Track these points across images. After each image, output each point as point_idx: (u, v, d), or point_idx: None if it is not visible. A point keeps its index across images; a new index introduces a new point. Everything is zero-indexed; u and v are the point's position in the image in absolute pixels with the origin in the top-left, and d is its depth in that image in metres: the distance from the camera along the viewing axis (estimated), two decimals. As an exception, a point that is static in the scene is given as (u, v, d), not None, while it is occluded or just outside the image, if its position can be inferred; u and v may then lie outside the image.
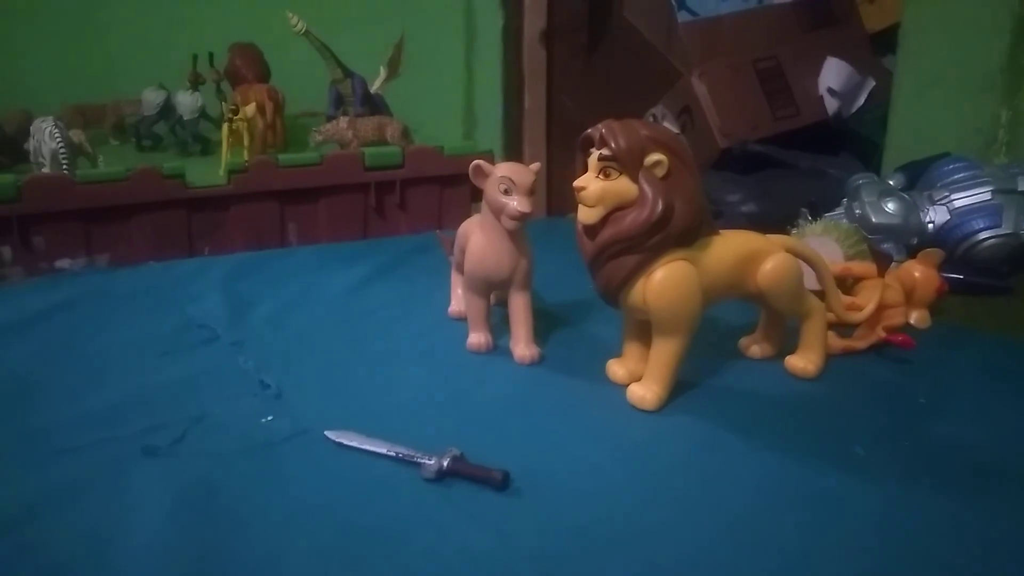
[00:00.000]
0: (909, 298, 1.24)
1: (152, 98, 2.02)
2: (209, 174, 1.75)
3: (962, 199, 1.44)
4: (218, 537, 0.75)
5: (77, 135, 1.71)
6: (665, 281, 0.96)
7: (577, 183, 0.97)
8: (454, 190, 1.94)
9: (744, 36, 2.05)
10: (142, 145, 2.07)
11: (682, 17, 2.02)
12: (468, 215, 1.23)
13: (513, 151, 2.45)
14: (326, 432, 0.92)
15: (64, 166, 1.60)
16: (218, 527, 0.77)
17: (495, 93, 2.45)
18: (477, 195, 1.14)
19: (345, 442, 0.91)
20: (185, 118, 2.00)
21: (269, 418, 0.97)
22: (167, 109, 2.02)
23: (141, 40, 2.19)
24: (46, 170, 1.62)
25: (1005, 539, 0.76)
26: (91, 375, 1.09)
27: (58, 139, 1.60)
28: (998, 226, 1.41)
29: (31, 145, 1.67)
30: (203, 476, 0.85)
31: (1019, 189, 1.43)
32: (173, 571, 0.71)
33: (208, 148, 2.02)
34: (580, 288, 1.16)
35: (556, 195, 2.33)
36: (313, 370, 1.12)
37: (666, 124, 2.03)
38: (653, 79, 2.07)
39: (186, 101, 1.99)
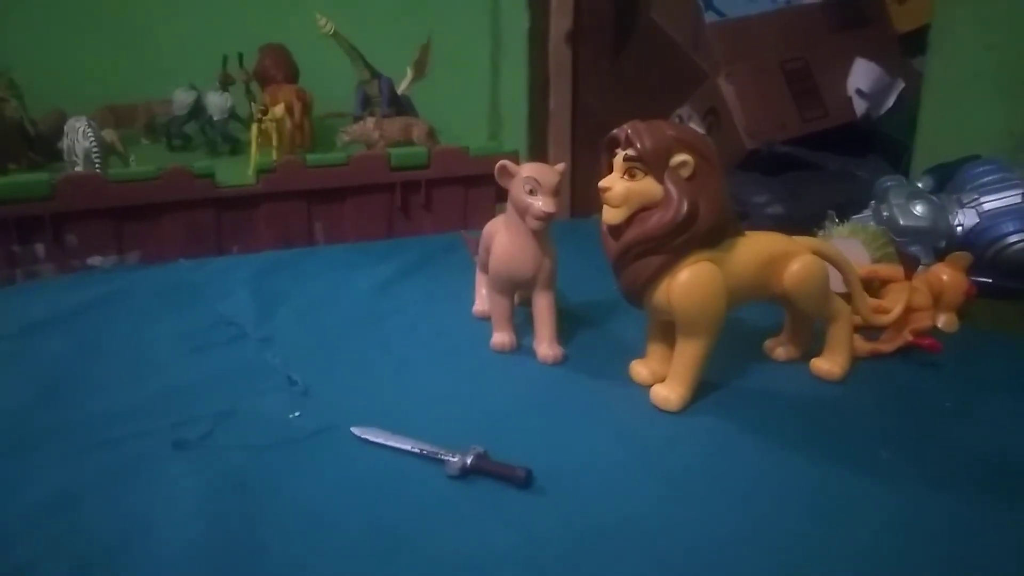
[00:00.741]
0: (937, 302, 1.23)
1: (183, 98, 2.04)
2: (238, 174, 1.77)
3: (992, 202, 1.42)
4: (246, 530, 0.76)
5: (110, 134, 1.73)
6: (690, 282, 0.96)
7: (602, 183, 0.97)
8: (479, 190, 1.94)
9: (772, 37, 2.04)
10: (172, 145, 2.10)
11: (709, 18, 2.01)
12: (493, 215, 1.23)
13: (538, 152, 2.46)
14: (352, 428, 0.93)
15: (97, 165, 1.63)
16: (246, 520, 0.78)
17: (520, 94, 2.46)
18: (502, 195, 1.15)
19: (371, 438, 0.92)
20: (215, 118, 2.03)
21: (296, 414, 0.99)
22: (197, 109, 2.04)
23: (172, 41, 2.21)
24: (79, 169, 1.64)
25: (1033, 545, 0.76)
26: (122, 370, 1.11)
27: (91, 138, 1.63)
28: (1029, 230, 1.39)
29: (65, 144, 1.70)
30: (232, 470, 0.86)
31: (1051, 192, 1.42)
32: (202, 563, 0.72)
33: (237, 148, 2.05)
34: (604, 288, 1.16)
35: (580, 196, 2.33)
36: (339, 367, 1.13)
37: (692, 125, 2.02)
38: (679, 80, 2.07)
39: (216, 101, 2.01)
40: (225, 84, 2.03)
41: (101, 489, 0.83)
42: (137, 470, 0.86)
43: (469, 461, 0.85)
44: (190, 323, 1.27)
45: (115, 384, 1.07)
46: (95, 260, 1.62)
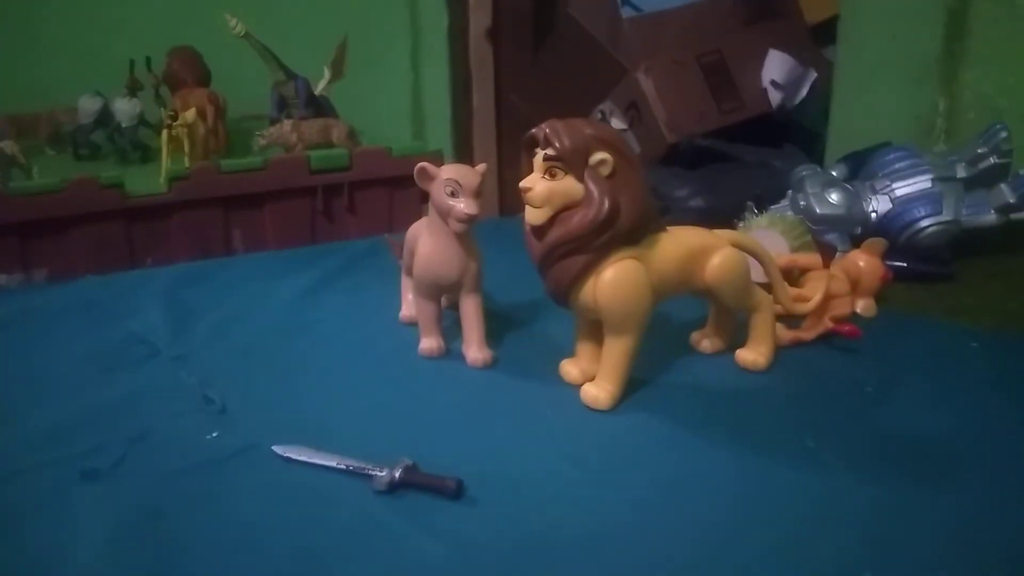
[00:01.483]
0: (855, 287, 1.26)
1: (88, 105, 1.95)
2: (149, 182, 1.70)
3: (903, 188, 1.47)
4: (162, 562, 0.73)
5: (10, 146, 1.65)
6: (614, 280, 0.96)
7: (523, 184, 0.96)
8: (404, 192, 1.91)
9: (688, 31, 2.05)
10: (79, 154, 2.00)
11: (626, 12, 2.02)
12: (419, 217, 1.21)
13: (463, 150, 2.43)
14: (274, 447, 0.90)
15: (-4, 179, 1.55)
16: (162, 551, 0.74)
17: (443, 92, 2.43)
18: (428, 196, 1.12)
19: (294, 457, 0.89)
20: (123, 125, 1.94)
21: (214, 434, 0.95)
22: (104, 116, 1.96)
23: (76, 46, 2.12)
24: (-24, 183, 1.56)
25: (954, 523, 0.78)
26: (29, 395, 1.05)
27: (-12, 151, 1.55)
28: (939, 213, 1.44)
29: (-40, 158, 1.61)
30: (146, 498, 0.82)
31: (958, 176, 1.46)
32: (115, 600, 0.69)
33: (148, 155, 1.97)
34: (531, 289, 1.15)
35: (507, 194, 2.32)
36: (260, 383, 1.09)
37: (614, 120, 2.03)
38: (600, 75, 2.07)
39: (124, 108, 1.93)
40: (133, 89, 1.95)
41: (6, 524, 0.78)
42: (42, 504, 0.81)
43: (397, 474, 0.83)
44: (100, 343, 1.21)
45: (19, 410, 1.01)
46: (-1, 279, 1.54)
